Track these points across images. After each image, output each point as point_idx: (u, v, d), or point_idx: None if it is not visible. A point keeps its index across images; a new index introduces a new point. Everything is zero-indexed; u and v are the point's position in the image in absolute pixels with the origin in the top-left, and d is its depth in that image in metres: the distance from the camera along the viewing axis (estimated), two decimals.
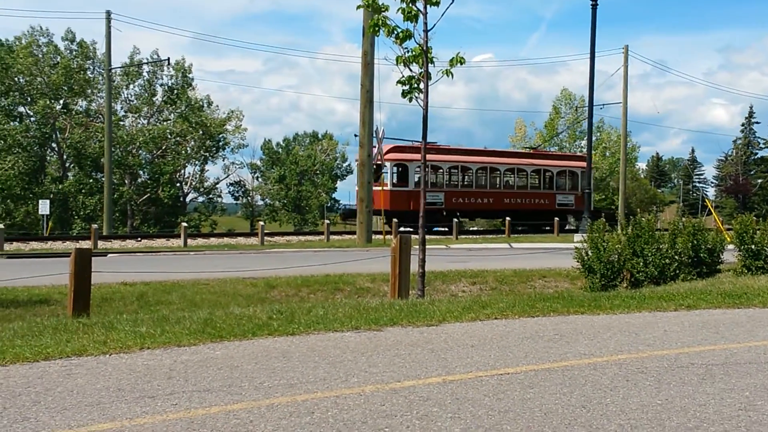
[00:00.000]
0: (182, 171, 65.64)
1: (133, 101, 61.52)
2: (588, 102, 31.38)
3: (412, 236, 12.46)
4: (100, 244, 27.96)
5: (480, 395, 5.40)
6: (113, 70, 47.66)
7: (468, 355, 6.82)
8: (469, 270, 16.70)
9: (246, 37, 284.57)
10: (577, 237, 25.73)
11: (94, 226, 29.61)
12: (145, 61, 59.32)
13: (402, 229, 33.43)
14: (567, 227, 43.26)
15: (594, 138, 46.95)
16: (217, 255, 22.69)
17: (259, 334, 7.55)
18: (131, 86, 61.00)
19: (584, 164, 45.77)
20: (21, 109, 57.32)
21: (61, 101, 57.65)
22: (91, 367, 6.13)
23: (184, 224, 32.35)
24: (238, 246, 28.29)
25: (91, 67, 58.86)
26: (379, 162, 37.67)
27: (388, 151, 38.25)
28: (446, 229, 37.82)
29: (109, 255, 21.65)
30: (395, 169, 39.42)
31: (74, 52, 58.35)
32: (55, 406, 4.99)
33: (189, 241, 30.42)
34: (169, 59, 51.54)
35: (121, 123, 58.73)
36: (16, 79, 55.59)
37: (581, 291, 13.60)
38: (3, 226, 27.55)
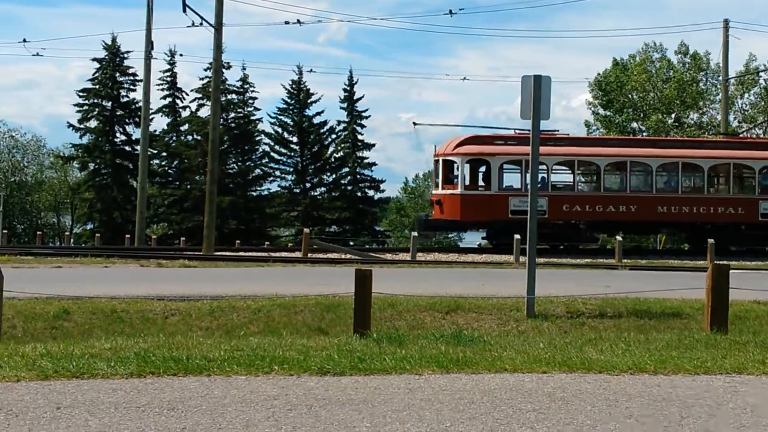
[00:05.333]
0: None
1: (747, 110, 59.19)
2: None
3: None
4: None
5: None
6: (728, 80, 46.47)
7: None
8: None
9: None
10: None
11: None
12: (762, 68, 56.63)
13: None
14: None
15: None
16: None
17: None
18: (746, 95, 58.76)
19: None
20: (634, 125, 59.68)
21: (673, 115, 58.41)
22: (756, 386, 5.91)
23: None
24: None
25: (704, 79, 58.39)
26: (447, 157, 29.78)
27: (460, 143, 29.64)
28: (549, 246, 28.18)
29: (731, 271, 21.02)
30: (470, 166, 30.05)
31: (687, 65, 58.58)
32: (732, 422, 4.92)
33: None
34: None
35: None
36: (629, 96, 58.09)
37: None
38: (620, 238, 28.74)
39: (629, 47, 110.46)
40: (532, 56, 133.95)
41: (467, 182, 29.60)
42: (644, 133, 57.05)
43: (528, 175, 29.37)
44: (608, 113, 59.62)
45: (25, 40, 46.75)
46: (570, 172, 30.12)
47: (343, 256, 24.76)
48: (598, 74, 59.68)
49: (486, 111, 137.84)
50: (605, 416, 5.04)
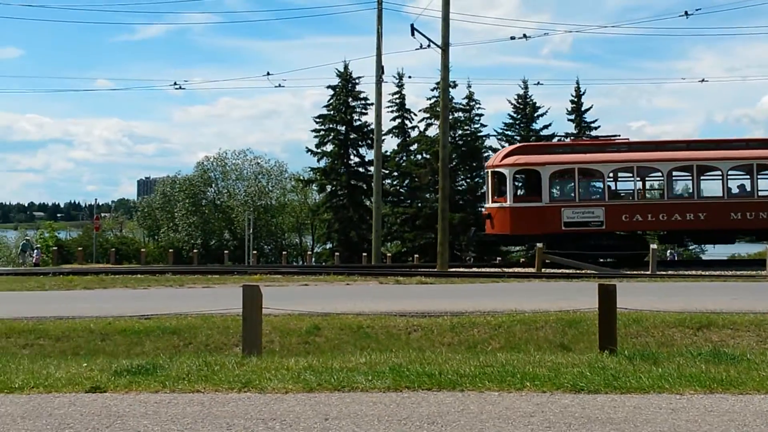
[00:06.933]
0: None
1: None
2: None
3: None
4: None
5: None
6: None
7: None
8: None
9: None
10: None
11: None
12: None
13: None
14: None
15: None
16: None
17: None
18: None
19: None
20: None
21: None
22: None
23: None
24: None
25: None
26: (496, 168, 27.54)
27: (508, 154, 28.63)
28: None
29: None
30: (519, 177, 28.65)
31: None
32: None
33: None
34: None
35: None
36: None
37: None
38: None
39: None
40: None
41: (517, 194, 28.47)
42: None
43: (581, 185, 28.59)
44: None
45: (268, 73, 49.94)
46: (632, 178, 28.33)
47: (578, 271, 24.20)
48: None
49: (725, 114, 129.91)
50: None
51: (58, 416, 5.43)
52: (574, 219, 27.34)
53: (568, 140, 30.24)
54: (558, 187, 28.97)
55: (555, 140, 54.06)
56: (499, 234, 28.24)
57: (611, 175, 27.93)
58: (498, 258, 36.24)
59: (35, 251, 41.95)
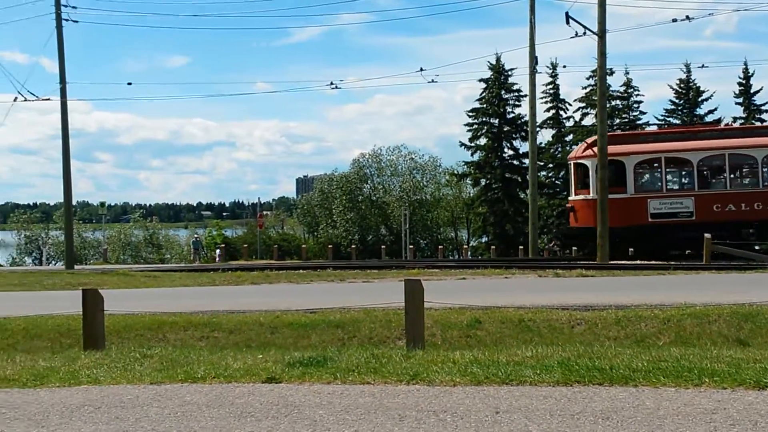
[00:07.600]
0: None
1: None
2: None
3: None
4: None
5: None
6: None
7: None
8: None
9: None
10: None
11: None
12: None
13: None
14: None
15: None
16: None
17: None
18: None
19: None
20: None
21: None
22: None
23: None
24: None
25: None
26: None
27: (591, 144, 27.46)
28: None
29: None
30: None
31: None
32: None
33: None
34: None
35: None
36: None
37: None
38: None
39: None
40: None
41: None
42: None
43: (668, 174, 27.07)
44: None
45: (421, 69, 49.92)
46: (723, 166, 26.93)
47: (751, 263, 22.89)
48: None
49: None
50: None
51: (239, 405, 5.71)
52: (662, 210, 26.70)
53: (655, 128, 29.28)
54: (644, 178, 28.12)
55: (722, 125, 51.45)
56: (582, 227, 27.42)
57: (701, 163, 26.98)
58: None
59: (217, 250, 44.04)
